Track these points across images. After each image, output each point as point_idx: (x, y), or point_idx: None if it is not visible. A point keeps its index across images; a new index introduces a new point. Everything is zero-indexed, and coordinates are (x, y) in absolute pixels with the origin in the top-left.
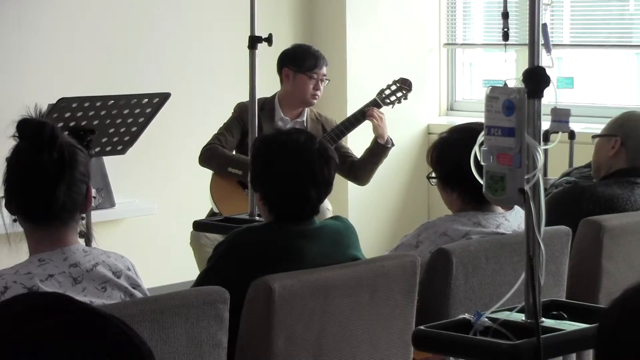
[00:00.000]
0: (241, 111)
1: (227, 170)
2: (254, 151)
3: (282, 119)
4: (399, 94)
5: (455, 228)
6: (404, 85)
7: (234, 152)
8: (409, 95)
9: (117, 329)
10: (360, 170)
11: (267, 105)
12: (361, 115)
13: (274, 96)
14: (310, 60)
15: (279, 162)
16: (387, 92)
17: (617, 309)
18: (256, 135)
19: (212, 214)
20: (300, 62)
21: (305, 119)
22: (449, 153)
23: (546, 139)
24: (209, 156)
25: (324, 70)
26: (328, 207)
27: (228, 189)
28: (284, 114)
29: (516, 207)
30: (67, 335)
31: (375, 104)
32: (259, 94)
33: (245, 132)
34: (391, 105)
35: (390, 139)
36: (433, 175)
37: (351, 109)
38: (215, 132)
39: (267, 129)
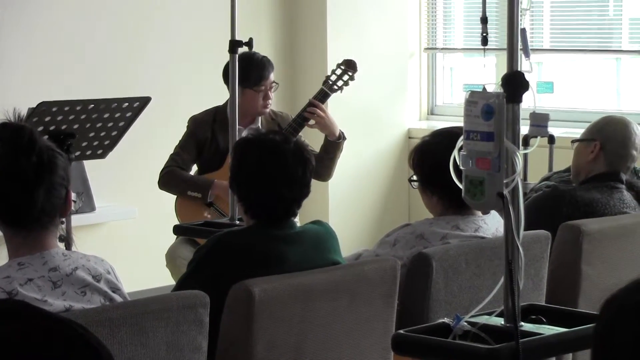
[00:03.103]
0: (194, 126)
1: (187, 194)
2: (233, 152)
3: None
4: (345, 77)
5: (433, 230)
6: (349, 68)
7: (192, 170)
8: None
9: (74, 333)
10: (319, 166)
11: (219, 115)
12: (302, 120)
13: (225, 104)
14: (254, 73)
15: (253, 163)
16: (333, 77)
17: (615, 306)
18: (213, 148)
19: None
20: (244, 78)
21: (259, 124)
22: (429, 156)
23: (526, 144)
24: (167, 181)
25: (271, 77)
26: None
27: (193, 209)
28: (239, 124)
29: (493, 210)
30: (25, 341)
31: (324, 93)
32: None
33: (201, 146)
34: (339, 90)
35: (342, 132)
36: (414, 178)
37: (331, 114)
38: (171, 152)
39: (221, 139)
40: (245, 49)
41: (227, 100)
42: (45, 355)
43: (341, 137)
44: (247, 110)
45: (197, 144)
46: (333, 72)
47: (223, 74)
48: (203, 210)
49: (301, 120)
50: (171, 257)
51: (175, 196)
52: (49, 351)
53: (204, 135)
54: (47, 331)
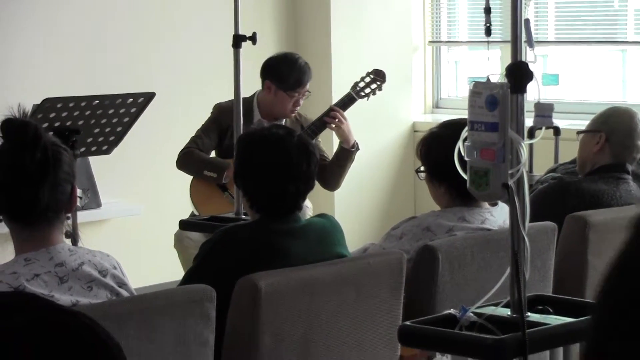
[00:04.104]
0: (219, 112)
1: (203, 173)
2: (236, 147)
3: (259, 121)
4: (374, 86)
5: (439, 223)
6: (378, 77)
7: (212, 155)
8: (389, 90)
9: (82, 324)
10: (328, 174)
11: (245, 106)
12: (322, 124)
13: (252, 97)
14: (294, 79)
15: (257, 157)
16: (362, 84)
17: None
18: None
19: (192, 216)
20: (282, 80)
21: (284, 121)
22: (437, 147)
23: (531, 135)
24: (185, 160)
25: (307, 86)
26: (307, 205)
27: (207, 193)
28: (261, 117)
29: (501, 202)
30: (34, 333)
31: (350, 97)
32: (244, 94)
33: (223, 133)
34: (366, 98)
35: (356, 142)
36: (422, 169)
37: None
38: (193, 135)
39: (243, 130)
40: (248, 43)
41: (255, 93)
42: (54, 348)
43: (355, 147)
44: (273, 109)
45: (219, 130)
46: (362, 79)
47: (262, 69)
48: (217, 194)
49: (321, 124)
50: (179, 238)
51: (190, 179)
52: (57, 344)
53: (227, 123)
54: (55, 324)
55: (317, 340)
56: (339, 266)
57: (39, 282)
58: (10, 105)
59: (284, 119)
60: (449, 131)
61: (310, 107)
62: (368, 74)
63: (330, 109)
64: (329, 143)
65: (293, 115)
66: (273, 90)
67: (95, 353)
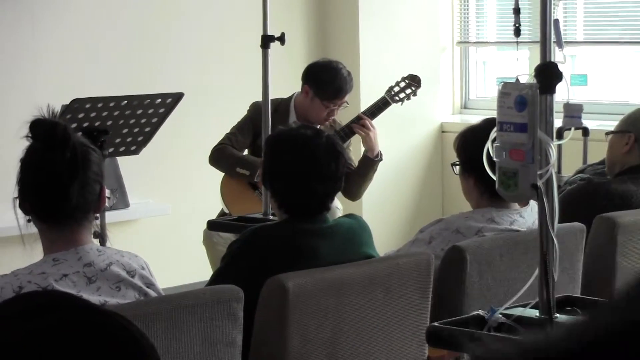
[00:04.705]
0: (255, 111)
1: (236, 170)
2: (264, 148)
3: (294, 122)
4: (408, 91)
5: (468, 225)
6: (413, 82)
7: (245, 153)
8: (418, 91)
9: (117, 325)
10: (350, 183)
11: (281, 107)
12: (350, 131)
13: (290, 98)
14: (332, 90)
15: (285, 157)
16: (396, 89)
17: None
18: None
19: (222, 214)
20: (321, 88)
21: (318, 125)
22: (471, 140)
23: (560, 136)
24: (218, 156)
25: (345, 98)
26: (338, 207)
27: (238, 190)
28: (297, 119)
29: (531, 203)
30: (69, 332)
31: (385, 101)
32: (272, 94)
33: (258, 132)
34: (400, 102)
35: (380, 152)
36: (457, 162)
37: (364, 109)
38: (228, 131)
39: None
40: (277, 44)
41: (293, 95)
42: (88, 348)
43: (378, 156)
44: (308, 114)
45: (254, 129)
46: (397, 83)
47: (303, 72)
48: (248, 193)
49: (350, 130)
50: (208, 235)
51: (219, 178)
52: (92, 344)
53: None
54: (90, 323)
55: (345, 341)
56: (367, 267)
57: (67, 282)
58: (39, 106)
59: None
60: (485, 126)
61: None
62: (403, 79)
63: (359, 117)
64: (354, 151)
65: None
66: (310, 96)
67: (130, 353)
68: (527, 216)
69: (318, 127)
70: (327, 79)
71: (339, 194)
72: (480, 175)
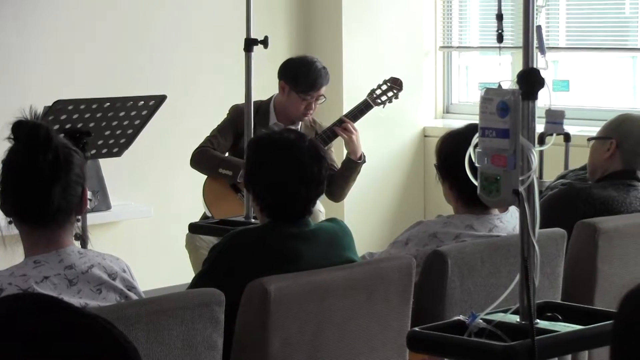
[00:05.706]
0: (235, 114)
1: (218, 171)
2: (247, 151)
3: (275, 124)
4: (390, 94)
5: (446, 231)
6: (395, 85)
7: (226, 155)
8: (401, 95)
9: (100, 327)
10: (333, 184)
11: (262, 108)
12: (332, 134)
13: (270, 99)
14: (307, 83)
15: (268, 161)
16: (378, 92)
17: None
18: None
19: (204, 217)
20: (296, 82)
21: (299, 126)
22: (449, 146)
23: (542, 142)
24: (199, 158)
25: (321, 91)
26: (320, 210)
27: (220, 193)
28: (277, 120)
29: (511, 209)
30: (53, 335)
31: (367, 104)
32: (255, 97)
33: (238, 135)
34: (382, 105)
35: (363, 154)
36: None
37: (346, 112)
38: (208, 134)
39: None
40: (260, 47)
41: (272, 96)
42: (71, 351)
43: (361, 159)
44: (286, 110)
45: (235, 132)
46: (379, 86)
47: (279, 69)
48: (230, 196)
49: (332, 133)
50: (191, 239)
51: (202, 181)
52: (75, 346)
53: (243, 125)
54: (73, 326)
55: (326, 345)
56: (349, 270)
57: (48, 285)
58: (22, 107)
59: (299, 124)
60: (464, 131)
61: (321, 112)
62: (385, 82)
63: (342, 120)
64: (337, 153)
65: (308, 121)
66: (287, 91)
67: (113, 356)
68: (506, 221)
69: (299, 127)
70: (301, 73)
71: (322, 196)
72: (454, 181)
